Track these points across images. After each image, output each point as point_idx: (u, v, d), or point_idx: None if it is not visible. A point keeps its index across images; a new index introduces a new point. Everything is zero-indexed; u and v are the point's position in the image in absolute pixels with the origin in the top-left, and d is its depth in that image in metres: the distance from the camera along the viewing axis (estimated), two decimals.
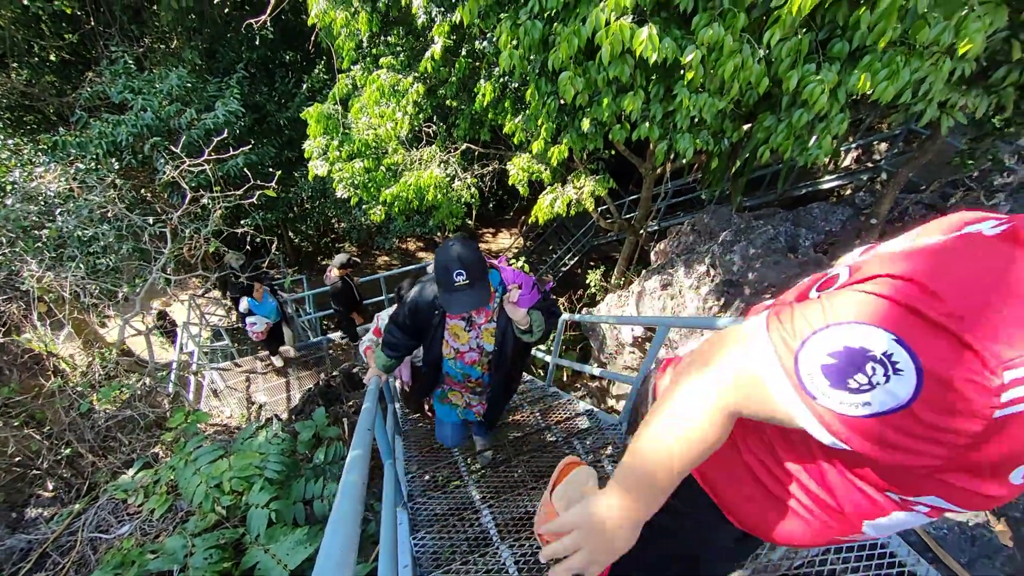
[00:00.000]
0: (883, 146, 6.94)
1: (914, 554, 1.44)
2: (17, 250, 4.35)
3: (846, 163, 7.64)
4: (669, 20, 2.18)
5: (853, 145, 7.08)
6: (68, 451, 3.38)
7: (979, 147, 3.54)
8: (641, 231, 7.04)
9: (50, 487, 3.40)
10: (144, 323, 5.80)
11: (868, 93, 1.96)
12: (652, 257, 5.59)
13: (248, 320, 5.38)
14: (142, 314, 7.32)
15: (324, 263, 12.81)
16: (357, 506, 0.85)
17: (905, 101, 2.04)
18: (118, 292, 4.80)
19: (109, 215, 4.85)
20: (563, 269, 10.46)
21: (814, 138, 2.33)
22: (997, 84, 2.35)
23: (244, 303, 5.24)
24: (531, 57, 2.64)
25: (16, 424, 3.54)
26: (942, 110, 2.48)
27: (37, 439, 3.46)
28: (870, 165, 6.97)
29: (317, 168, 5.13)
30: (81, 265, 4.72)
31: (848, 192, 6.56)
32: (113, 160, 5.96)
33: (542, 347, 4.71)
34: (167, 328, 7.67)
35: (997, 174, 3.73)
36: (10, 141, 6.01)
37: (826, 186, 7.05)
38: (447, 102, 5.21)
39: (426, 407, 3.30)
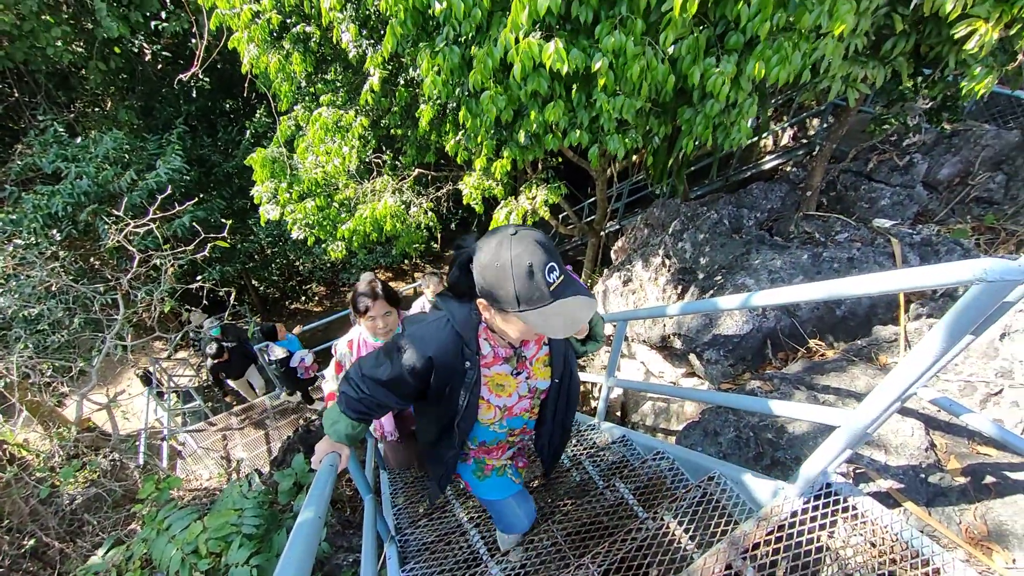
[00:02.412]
0: (816, 121, 7.33)
1: (877, 504, 1.50)
2: None
3: (784, 142, 8.02)
4: (575, 32, 2.30)
5: (788, 124, 7.45)
6: (32, 542, 3.19)
7: (890, 112, 3.80)
8: (601, 232, 7.19)
9: None
10: (106, 395, 5.53)
11: (765, 78, 2.10)
12: (612, 256, 5.71)
13: (294, 360, 5.36)
14: (103, 387, 6.99)
15: (293, 307, 12.56)
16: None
17: (805, 81, 2.19)
18: (72, 368, 4.60)
19: (54, 289, 4.67)
20: None
21: (733, 124, 2.46)
22: (888, 55, 2.56)
23: (279, 350, 5.29)
24: (456, 80, 2.72)
25: None
26: (846, 83, 2.68)
27: None
28: (804, 141, 7.34)
29: (268, 213, 5.06)
30: (29, 344, 4.51)
31: (789, 169, 6.88)
32: (54, 232, 5.75)
33: None
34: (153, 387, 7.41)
35: (909, 135, 4.01)
36: None
37: (768, 166, 7.37)
38: (392, 131, 5.24)
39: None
